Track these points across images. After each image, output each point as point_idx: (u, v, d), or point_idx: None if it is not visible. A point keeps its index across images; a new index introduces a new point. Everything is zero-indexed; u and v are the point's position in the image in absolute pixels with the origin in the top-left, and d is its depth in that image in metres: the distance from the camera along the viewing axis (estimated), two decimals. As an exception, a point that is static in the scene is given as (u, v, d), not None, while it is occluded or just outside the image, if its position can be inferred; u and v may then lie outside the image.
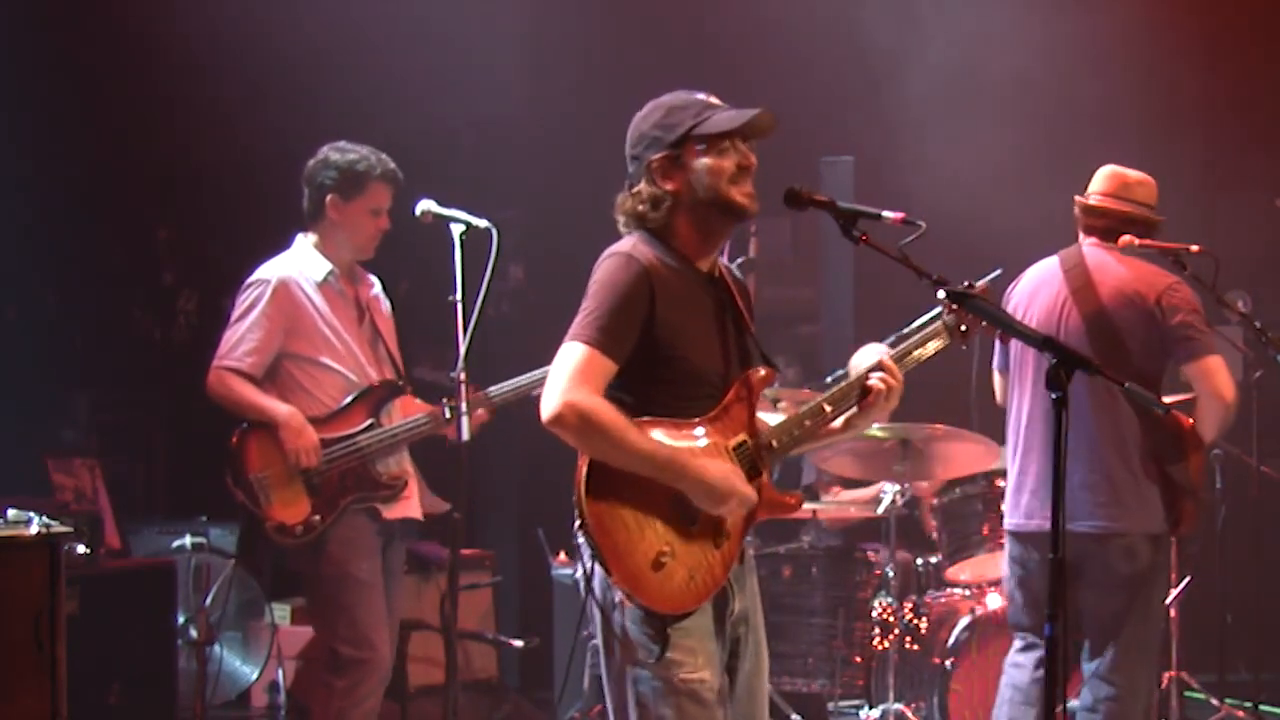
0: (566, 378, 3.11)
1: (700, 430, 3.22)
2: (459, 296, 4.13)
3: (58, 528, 4.09)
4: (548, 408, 3.11)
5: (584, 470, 3.11)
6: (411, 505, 4.76)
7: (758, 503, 3.25)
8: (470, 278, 4.11)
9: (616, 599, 3.19)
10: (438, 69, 7.06)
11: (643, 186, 3.27)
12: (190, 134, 6.92)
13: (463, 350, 4.13)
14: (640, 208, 3.28)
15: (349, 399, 4.64)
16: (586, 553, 3.17)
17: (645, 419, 3.18)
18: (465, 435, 4.16)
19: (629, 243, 3.26)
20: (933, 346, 3.49)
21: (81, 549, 5.31)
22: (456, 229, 4.21)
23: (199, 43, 6.71)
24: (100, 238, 7.22)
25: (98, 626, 5.35)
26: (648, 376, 3.20)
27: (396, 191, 4.73)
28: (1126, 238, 4.89)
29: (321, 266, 4.69)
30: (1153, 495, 4.39)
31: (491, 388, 4.68)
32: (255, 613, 6.44)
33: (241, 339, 4.59)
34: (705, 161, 3.23)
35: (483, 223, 4.18)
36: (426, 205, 4.29)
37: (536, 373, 4.64)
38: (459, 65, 7.14)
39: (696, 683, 3.18)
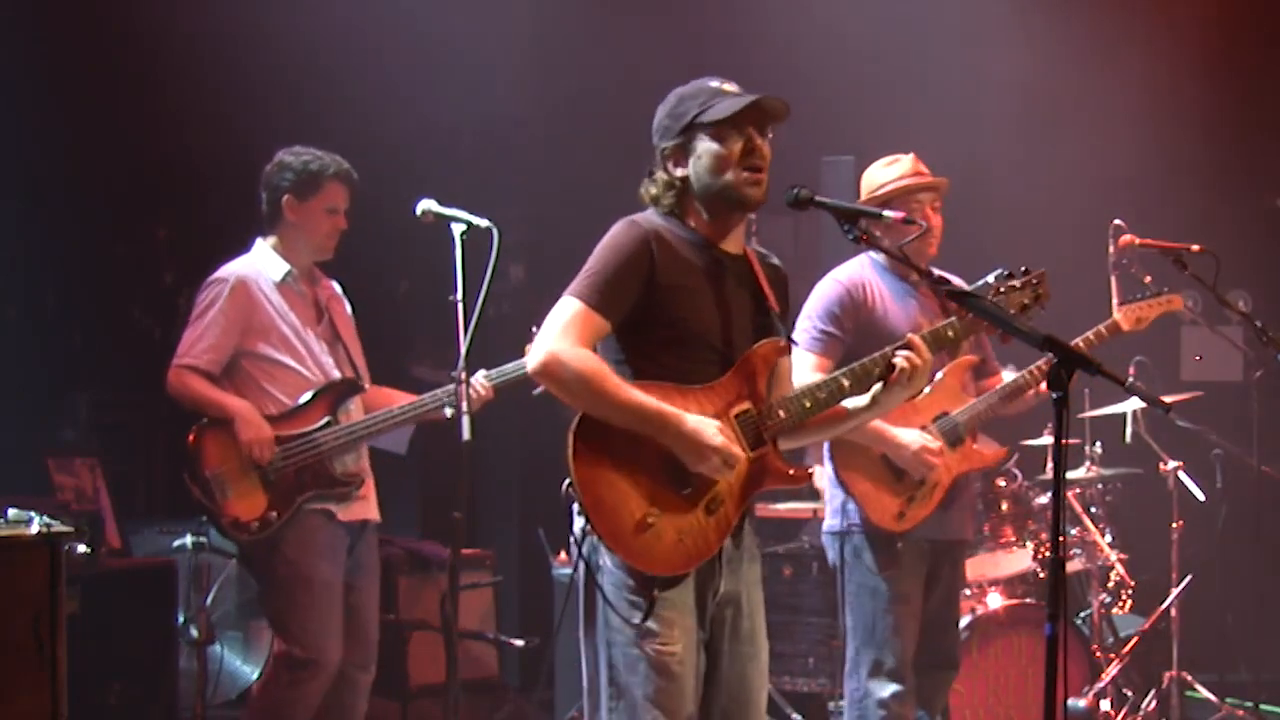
0: (555, 330, 3.18)
1: (702, 395, 3.23)
2: (459, 296, 4.12)
3: (58, 527, 4.08)
4: (533, 358, 3.18)
5: (575, 424, 3.14)
6: (369, 506, 4.79)
7: (749, 466, 3.25)
8: (471, 277, 4.10)
9: (601, 560, 3.20)
10: (438, 69, 7.06)
11: (659, 173, 3.36)
12: (190, 134, 6.91)
13: (463, 350, 4.12)
14: (654, 191, 3.36)
15: (307, 396, 4.67)
16: (577, 518, 3.18)
17: (645, 382, 3.20)
18: (466, 435, 4.15)
19: (642, 213, 3.34)
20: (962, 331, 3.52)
21: (82, 549, 5.29)
22: (457, 228, 4.20)
23: (199, 43, 6.70)
24: (100, 238, 7.21)
25: (98, 626, 5.35)
26: (652, 338, 3.25)
27: (352, 191, 4.81)
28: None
29: (280, 267, 4.75)
30: (837, 495, 4.50)
31: (492, 369, 4.67)
32: (255, 612, 6.43)
33: (200, 337, 4.66)
34: (709, 148, 3.29)
35: (483, 222, 4.16)
36: (427, 205, 4.27)
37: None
38: (459, 65, 7.14)
39: (668, 655, 3.19)
